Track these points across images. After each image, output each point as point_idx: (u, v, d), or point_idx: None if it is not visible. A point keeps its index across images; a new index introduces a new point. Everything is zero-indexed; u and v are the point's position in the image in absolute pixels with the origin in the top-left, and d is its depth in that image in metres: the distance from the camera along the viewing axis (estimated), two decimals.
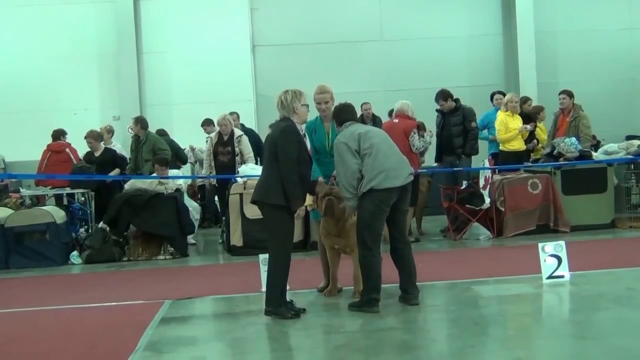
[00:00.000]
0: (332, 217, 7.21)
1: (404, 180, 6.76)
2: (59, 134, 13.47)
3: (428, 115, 12.34)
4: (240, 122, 13.63)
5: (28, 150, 15.16)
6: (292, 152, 6.51)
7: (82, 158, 12.87)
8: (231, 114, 12.70)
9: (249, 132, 12.78)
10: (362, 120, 12.20)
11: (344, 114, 7.09)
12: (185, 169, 15.03)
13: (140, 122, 13.08)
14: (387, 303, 6.85)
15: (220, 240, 12.08)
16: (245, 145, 11.64)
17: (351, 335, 5.98)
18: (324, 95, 7.51)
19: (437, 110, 12.11)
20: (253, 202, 6.78)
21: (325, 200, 7.17)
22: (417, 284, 6.95)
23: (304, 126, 7.52)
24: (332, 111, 7.33)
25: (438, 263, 9.60)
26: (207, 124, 14.16)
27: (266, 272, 6.81)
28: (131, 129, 13.82)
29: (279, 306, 6.53)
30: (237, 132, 11.90)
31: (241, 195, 10.59)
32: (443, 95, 11.84)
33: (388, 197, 6.67)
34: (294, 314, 6.56)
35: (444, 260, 9.95)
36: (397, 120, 11.05)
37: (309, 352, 5.63)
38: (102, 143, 12.95)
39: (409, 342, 5.58)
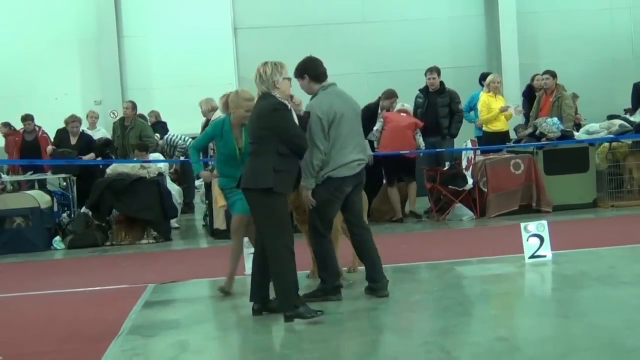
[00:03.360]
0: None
1: (358, 169, 6.50)
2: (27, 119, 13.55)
3: (409, 97, 12.31)
4: None
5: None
6: (296, 129, 5.91)
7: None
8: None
9: None
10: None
11: (319, 66, 6.55)
12: None
13: (135, 106, 13.13)
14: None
15: (204, 224, 12.06)
16: None
17: (334, 317, 5.98)
18: (252, 104, 6.43)
19: (420, 90, 12.08)
20: (243, 189, 6.01)
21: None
22: (382, 270, 6.52)
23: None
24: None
25: (421, 244, 9.64)
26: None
27: (271, 274, 5.96)
28: (113, 113, 13.76)
29: (296, 307, 5.77)
30: (217, 115, 11.84)
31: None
32: (437, 69, 11.83)
33: (342, 184, 6.39)
34: (315, 312, 5.77)
35: (426, 241, 9.98)
36: (404, 115, 11.40)
37: (294, 333, 5.64)
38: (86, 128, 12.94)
39: (392, 323, 5.60)
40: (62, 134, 12.68)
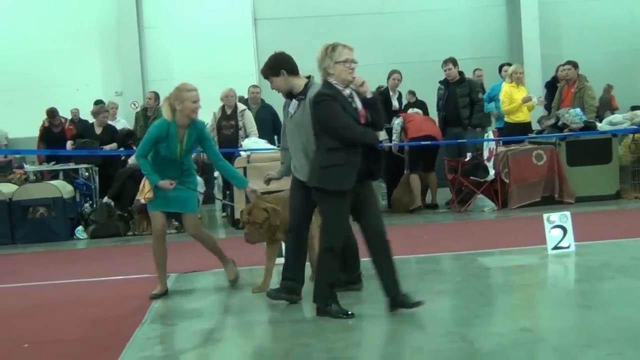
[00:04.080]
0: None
1: None
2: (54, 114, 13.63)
3: (430, 89, 12.29)
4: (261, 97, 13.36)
5: (31, 126, 15.14)
6: (340, 120, 5.42)
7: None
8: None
9: (267, 107, 12.66)
10: (388, 91, 12.13)
11: (292, 59, 6.15)
12: None
13: (158, 97, 13.30)
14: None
15: (224, 214, 12.09)
16: (249, 119, 11.67)
17: (357, 307, 5.98)
18: (196, 93, 6.48)
19: (440, 82, 12.05)
20: (309, 185, 5.66)
21: (245, 229, 6.50)
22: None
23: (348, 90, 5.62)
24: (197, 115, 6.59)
25: (443, 235, 9.62)
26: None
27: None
28: (135, 104, 13.84)
29: (326, 305, 5.64)
30: (241, 106, 11.89)
31: (245, 168, 10.56)
32: (453, 60, 11.78)
33: None
34: (346, 314, 5.61)
35: (448, 232, 9.96)
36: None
37: (316, 322, 5.64)
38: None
39: (415, 314, 5.59)
40: (86, 124, 12.75)
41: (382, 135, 11.65)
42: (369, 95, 5.52)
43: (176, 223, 11.01)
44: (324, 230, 5.60)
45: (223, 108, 11.77)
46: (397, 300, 5.59)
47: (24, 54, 17.20)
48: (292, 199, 6.17)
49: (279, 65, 6.04)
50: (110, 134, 12.63)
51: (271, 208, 6.41)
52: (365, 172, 5.52)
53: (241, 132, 11.57)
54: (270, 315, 5.97)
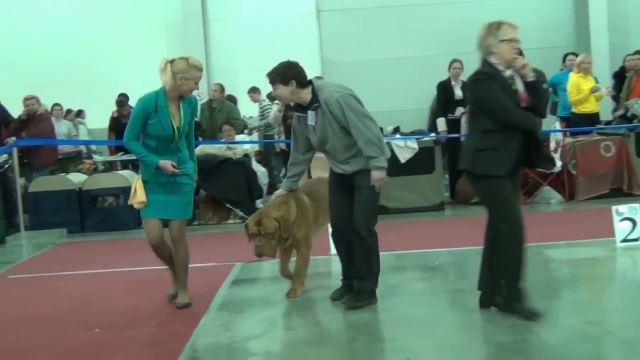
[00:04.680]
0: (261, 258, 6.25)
1: None
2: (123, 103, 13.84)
3: None
4: None
5: (99, 117, 15.48)
6: (499, 101, 5.07)
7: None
8: None
9: None
10: (449, 81, 12.04)
11: (304, 72, 5.87)
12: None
13: (223, 89, 13.44)
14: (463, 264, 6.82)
15: None
16: None
17: (415, 297, 5.98)
18: (200, 74, 5.95)
19: None
20: (460, 168, 5.41)
21: (256, 241, 6.00)
22: None
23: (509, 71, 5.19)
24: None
25: None
26: (253, 91, 14.39)
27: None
28: (199, 95, 13.95)
29: (513, 301, 5.22)
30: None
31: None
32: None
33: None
34: (531, 313, 5.13)
35: None
36: None
37: (380, 314, 5.66)
38: None
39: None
40: None
41: (443, 125, 11.58)
42: (530, 79, 5.13)
43: (240, 213, 11.13)
44: (494, 217, 5.25)
45: None
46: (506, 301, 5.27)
47: (93, 47, 17.55)
48: (333, 196, 5.98)
49: (290, 75, 5.76)
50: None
51: (281, 217, 5.95)
52: (523, 159, 5.21)
53: None
54: (334, 304, 5.99)
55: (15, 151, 11.12)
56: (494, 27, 5.15)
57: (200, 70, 5.88)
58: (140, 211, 6.05)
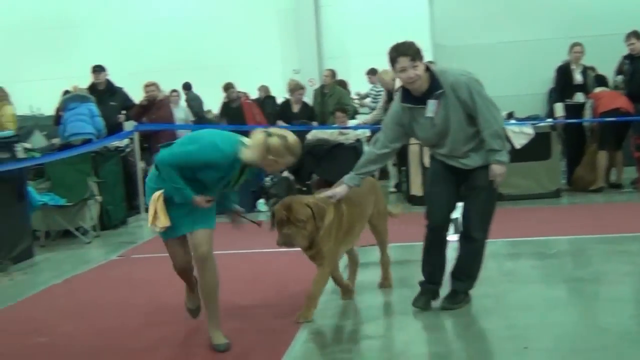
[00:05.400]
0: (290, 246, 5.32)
1: None
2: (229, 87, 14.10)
3: (612, 64, 11.73)
4: None
5: (213, 104, 15.83)
6: None
7: None
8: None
9: None
10: (568, 65, 11.71)
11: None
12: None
13: (334, 75, 13.61)
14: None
15: (394, 190, 12.26)
16: None
17: (531, 285, 5.87)
18: (293, 161, 4.98)
19: (624, 57, 11.45)
20: None
21: (284, 229, 5.23)
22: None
23: None
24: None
25: (627, 215, 9.20)
26: (372, 73, 14.35)
27: None
28: (311, 81, 14.15)
29: None
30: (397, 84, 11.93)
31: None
32: (636, 34, 11.17)
33: None
34: None
35: (633, 212, 9.51)
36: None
37: (497, 301, 5.60)
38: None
39: (601, 294, 5.43)
40: (284, 105, 13.11)
41: (561, 110, 11.29)
42: None
43: None
44: None
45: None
46: None
47: (207, 34, 18.03)
48: (435, 187, 5.42)
49: (421, 56, 5.13)
50: (310, 111, 12.92)
51: (314, 203, 5.25)
52: None
53: None
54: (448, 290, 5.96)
55: (136, 136, 11.55)
56: None
57: (295, 156, 4.90)
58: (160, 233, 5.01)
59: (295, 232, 5.12)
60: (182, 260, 5.06)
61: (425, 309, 5.40)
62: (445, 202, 5.37)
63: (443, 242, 5.49)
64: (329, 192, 5.47)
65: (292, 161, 4.91)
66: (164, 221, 4.80)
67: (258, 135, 4.77)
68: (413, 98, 5.18)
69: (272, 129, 4.89)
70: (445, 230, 5.44)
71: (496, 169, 5.17)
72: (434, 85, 5.09)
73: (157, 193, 4.82)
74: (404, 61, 5.02)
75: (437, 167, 5.40)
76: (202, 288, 4.97)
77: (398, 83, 11.52)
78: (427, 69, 5.13)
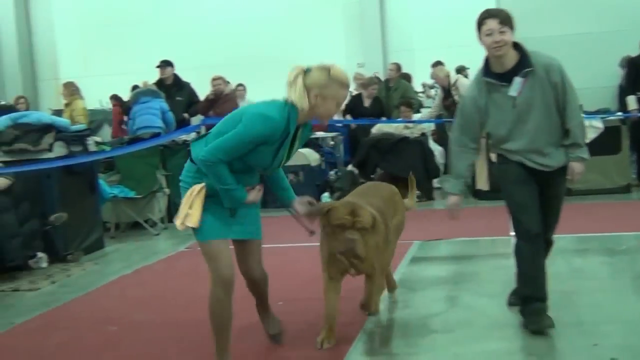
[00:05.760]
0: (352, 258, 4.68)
1: None
2: None
3: None
4: None
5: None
6: None
7: None
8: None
9: None
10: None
11: None
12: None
13: (399, 68, 13.64)
14: None
15: None
16: (464, 87, 11.50)
17: (600, 282, 5.77)
18: (346, 93, 4.41)
19: None
20: None
21: (348, 233, 4.58)
22: None
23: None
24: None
25: None
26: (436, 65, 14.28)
27: None
28: (376, 75, 14.10)
29: None
30: (453, 75, 11.90)
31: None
32: None
33: None
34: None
35: None
36: None
37: (566, 295, 5.52)
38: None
39: None
40: (355, 99, 13.12)
41: (633, 104, 11.04)
42: None
43: (417, 192, 11.15)
44: None
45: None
46: None
47: (271, 29, 18.11)
48: (522, 195, 4.77)
49: (512, 25, 4.65)
50: (381, 106, 12.90)
51: (377, 215, 4.77)
52: None
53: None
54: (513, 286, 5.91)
55: (203, 129, 11.70)
56: None
57: (346, 87, 4.30)
58: (196, 232, 4.22)
59: (359, 239, 4.56)
60: (226, 274, 4.26)
61: (552, 326, 4.69)
62: (536, 206, 4.75)
63: (544, 252, 4.94)
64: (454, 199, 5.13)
65: (344, 95, 4.27)
66: (195, 220, 4.11)
67: (292, 72, 4.23)
68: (496, 75, 4.69)
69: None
70: (542, 238, 4.84)
71: (577, 167, 4.73)
72: (524, 62, 4.60)
73: (198, 186, 4.17)
74: (491, 23, 4.57)
75: (516, 170, 4.78)
76: (262, 299, 4.95)
77: (453, 79, 11.51)
78: (516, 46, 4.66)
